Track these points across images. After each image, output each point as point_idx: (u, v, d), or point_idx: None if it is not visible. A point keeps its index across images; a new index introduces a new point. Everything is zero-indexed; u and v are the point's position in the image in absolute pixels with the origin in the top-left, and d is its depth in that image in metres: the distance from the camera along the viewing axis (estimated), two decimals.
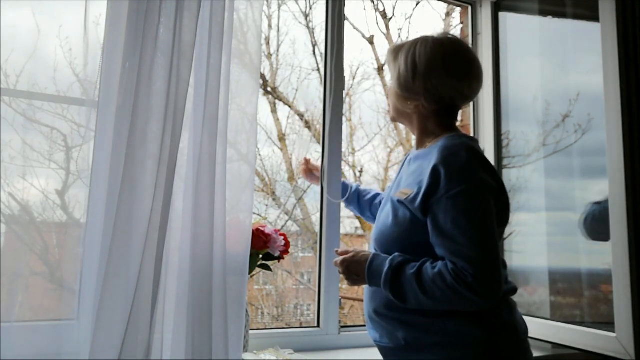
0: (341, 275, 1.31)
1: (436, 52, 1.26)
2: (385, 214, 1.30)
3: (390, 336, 1.23)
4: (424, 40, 1.29)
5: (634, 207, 1.50)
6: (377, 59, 4.95)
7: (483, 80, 1.33)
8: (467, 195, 1.14)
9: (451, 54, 1.27)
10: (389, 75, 1.41)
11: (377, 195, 1.63)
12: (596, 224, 1.68)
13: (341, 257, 1.28)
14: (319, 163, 1.79)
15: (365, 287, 1.32)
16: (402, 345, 1.21)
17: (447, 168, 1.16)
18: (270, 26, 4.71)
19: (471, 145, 1.23)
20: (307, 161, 1.77)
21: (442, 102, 1.29)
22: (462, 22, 2.36)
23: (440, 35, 1.30)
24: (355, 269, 1.25)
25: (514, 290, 1.27)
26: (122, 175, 1.16)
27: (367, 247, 1.40)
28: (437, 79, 1.26)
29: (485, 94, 2.12)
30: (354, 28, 4.92)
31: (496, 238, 1.16)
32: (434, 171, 1.17)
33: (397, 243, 1.23)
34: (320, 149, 1.86)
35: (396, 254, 1.21)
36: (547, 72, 2.04)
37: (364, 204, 1.64)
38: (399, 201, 1.24)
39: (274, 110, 4.75)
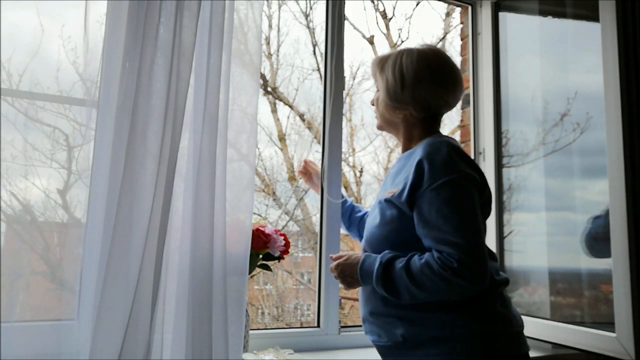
0: (337, 280, 1.32)
1: (422, 63, 1.32)
2: (373, 216, 1.32)
3: (388, 334, 1.24)
4: (409, 51, 1.35)
5: (634, 207, 1.50)
6: None
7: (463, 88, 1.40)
8: (450, 185, 1.18)
9: (436, 65, 1.33)
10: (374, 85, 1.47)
11: (366, 213, 1.66)
12: (596, 243, 1.68)
13: (335, 262, 1.31)
14: (318, 166, 1.80)
15: (359, 290, 1.33)
16: (400, 342, 1.21)
17: (431, 162, 1.20)
18: (270, 26, 4.72)
19: (453, 143, 1.27)
20: (306, 163, 1.77)
21: (428, 111, 1.35)
22: (462, 22, 2.36)
23: (423, 46, 1.36)
24: (349, 272, 1.28)
25: (506, 282, 1.28)
26: (122, 175, 1.16)
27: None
28: (425, 89, 1.32)
29: (485, 93, 2.13)
30: (354, 28, 4.94)
31: (480, 225, 1.19)
32: (418, 166, 1.21)
33: (387, 242, 1.26)
34: (320, 149, 1.87)
35: (386, 251, 1.23)
36: (547, 72, 2.04)
37: (354, 219, 1.67)
38: (386, 200, 1.27)
39: (274, 110, 4.76)
